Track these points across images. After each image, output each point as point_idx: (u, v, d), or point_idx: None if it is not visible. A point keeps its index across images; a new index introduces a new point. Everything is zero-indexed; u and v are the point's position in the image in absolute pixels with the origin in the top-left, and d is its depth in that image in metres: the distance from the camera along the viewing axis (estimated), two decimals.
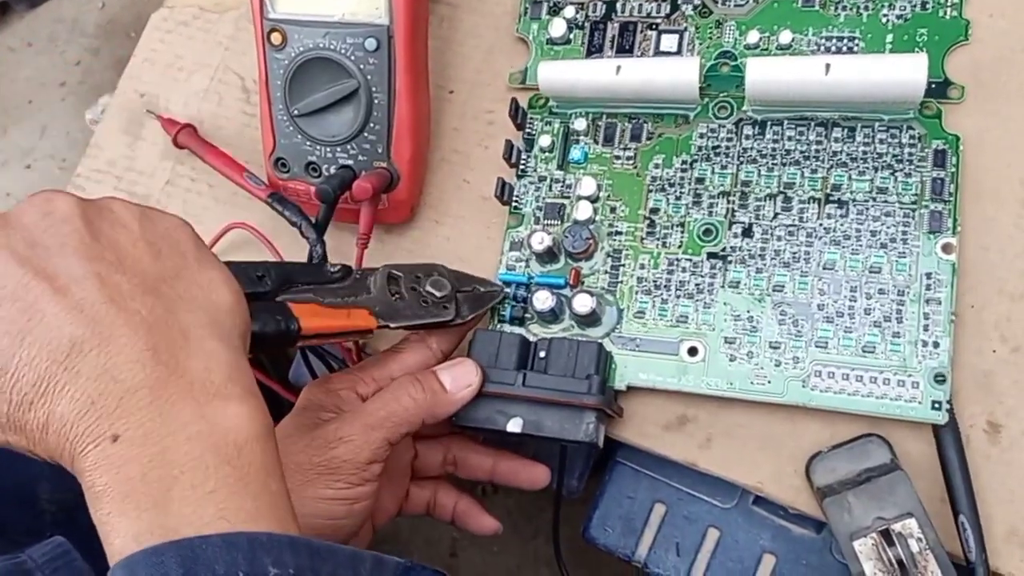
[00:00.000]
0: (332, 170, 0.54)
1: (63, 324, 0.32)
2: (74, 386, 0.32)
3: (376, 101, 0.52)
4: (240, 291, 0.39)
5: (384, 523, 0.52)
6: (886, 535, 0.43)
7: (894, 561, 0.43)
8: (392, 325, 0.47)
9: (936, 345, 0.46)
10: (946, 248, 0.47)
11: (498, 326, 0.52)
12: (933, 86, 0.49)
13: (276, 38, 0.53)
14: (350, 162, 0.54)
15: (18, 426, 0.33)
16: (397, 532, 0.79)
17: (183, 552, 0.31)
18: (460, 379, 0.47)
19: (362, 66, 0.52)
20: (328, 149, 0.54)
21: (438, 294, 0.49)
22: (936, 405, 0.45)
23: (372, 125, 0.53)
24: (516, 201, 0.54)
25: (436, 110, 0.57)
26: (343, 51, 0.52)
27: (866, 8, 0.51)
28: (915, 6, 0.50)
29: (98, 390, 0.32)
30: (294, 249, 0.54)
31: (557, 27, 0.55)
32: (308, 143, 0.54)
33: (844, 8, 0.51)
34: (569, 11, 0.56)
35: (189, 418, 0.33)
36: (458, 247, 0.55)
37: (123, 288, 0.34)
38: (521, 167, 0.54)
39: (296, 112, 0.53)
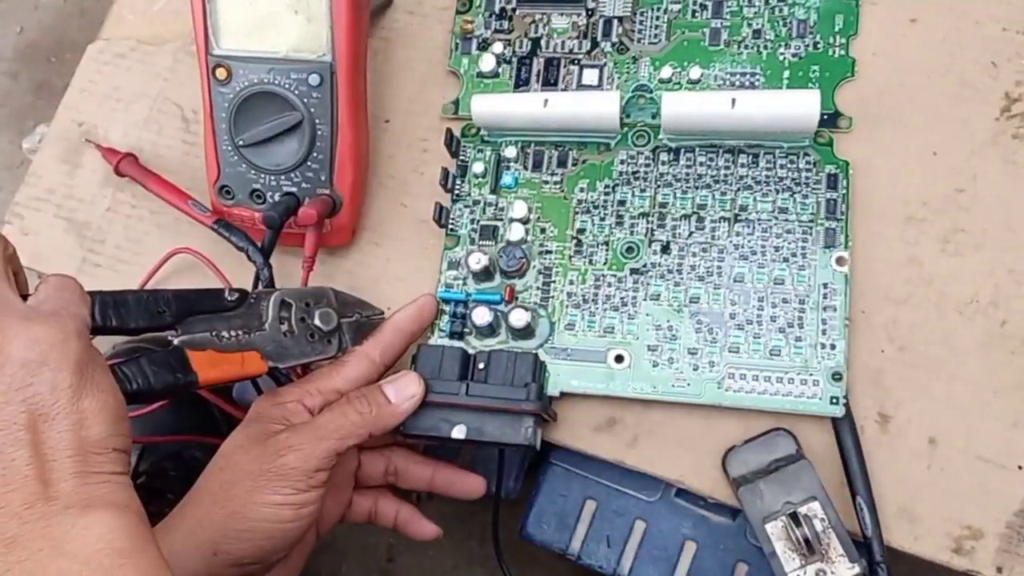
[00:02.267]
0: (276, 197, 0.56)
1: None
2: None
3: (319, 132, 0.54)
4: (114, 421, 0.38)
5: (327, 530, 0.54)
6: (794, 517, 0.47)
7: (801, 540, 0.46)
8: (281, 367, 0.50)
9: (833, 347, 0.49)
10: (839, 261, 0.50)
11: (439, 340, 0.54)
12: (825, 117, 0.52)
13: (221, 73, 0.55)
14: (294, 189, 0.56)
15: None
16: (334, 540, 0.79)
17: None
18: (403, 390, 0.49)
19: (306, 100, 0.54)
20: (272, 177, 0.56)
21: (324, 328, 0.51)
22: (834, 400, 0.49)
23: (316, 155, 0.55)
24: (452, 224, 0.56)
25: (373, 138, 0.59)
26: (287, 86, 0.54)
27: (765, 47, 0.55)
28: (808, 46, 0.54)
29: None
30: (239, 272, 0.56)
31: (487, 62, 0.58)
32: (253, 172, 0.56)
33: (746, 47, 0.55)
34: (497, 47, 0.58)
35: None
36: (397, 268, 0.58)
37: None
38: (456, 192, 0.56)
39: (241, 143, 0.55)
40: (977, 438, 0.49)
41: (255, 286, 0.55)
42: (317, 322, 0.51)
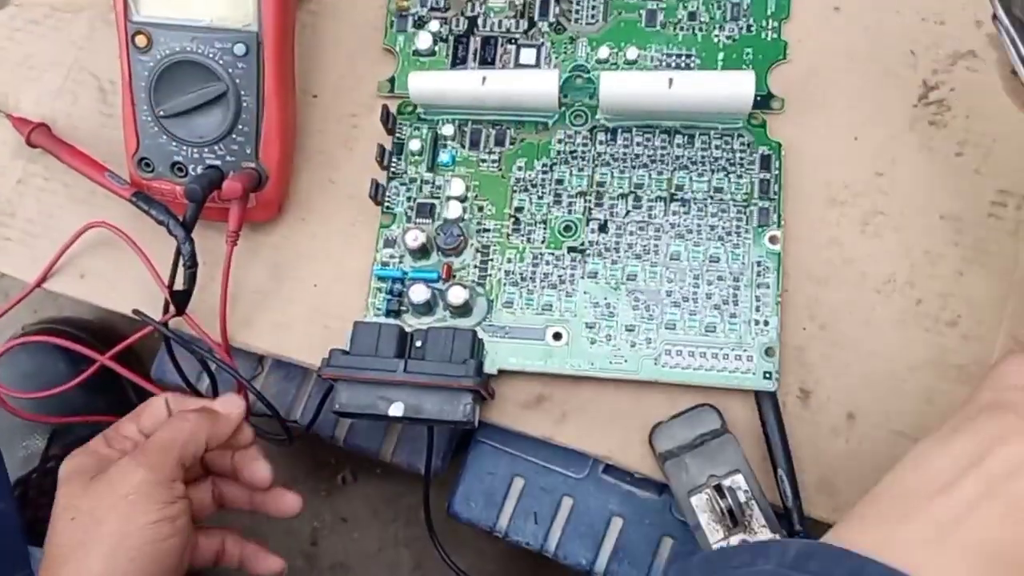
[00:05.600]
0: (199, 170, 0.54)
1: None
2: None
3: (245, 104, 0.53)
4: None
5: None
6: (718, 489, 0.47)
7: (725, 511, 0.47)
8: None
9: (766, 323, 0.50)
10: (772, 239, 0.52)
11: (375, 318, 0.53)
12: (759, 99, 0.53)
13: (141, 41, 0.52)
14: (217, 162, 0.54)
15: None
16: (256, 526, 0.78)
17: None
18: (228, 403, 0.52)
19: (231, 70, 0.52)
20: (195, 150, 0.54)
21: None
22: (767, 375, 0.50)
23: (240, 127, 0.53)
24: (388, 201, 0.55)
25: (301, 113, 0.57)
26: (211, 55, 0.52)
27: (700, 29, 0.56)
28: (742, 28, 0.55)
29: None
30: (157, 246, 0.54)
31: (423, 40, 0.57)
32: (174, 143, 0.54)
33: (682, 29, 0.56)
34: (434, 25, 0.58)
35: None
36: (324, 244, 0.57)
37: None
38: (392, 169, 0.56)
39: (162, 113, 0.53)
40: (893, 413, 0.50)
41: (176, 261, 0.53)
42: None
